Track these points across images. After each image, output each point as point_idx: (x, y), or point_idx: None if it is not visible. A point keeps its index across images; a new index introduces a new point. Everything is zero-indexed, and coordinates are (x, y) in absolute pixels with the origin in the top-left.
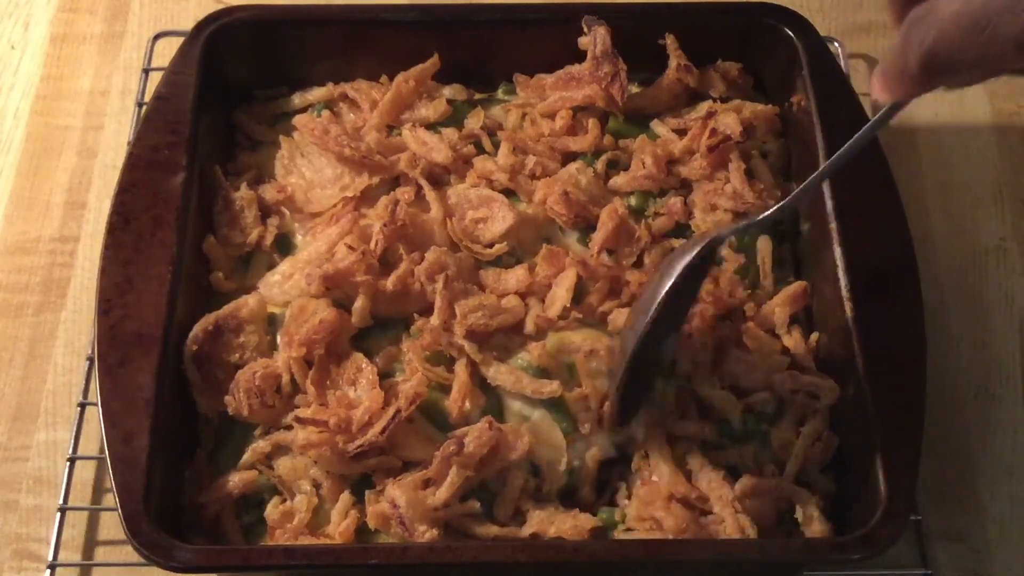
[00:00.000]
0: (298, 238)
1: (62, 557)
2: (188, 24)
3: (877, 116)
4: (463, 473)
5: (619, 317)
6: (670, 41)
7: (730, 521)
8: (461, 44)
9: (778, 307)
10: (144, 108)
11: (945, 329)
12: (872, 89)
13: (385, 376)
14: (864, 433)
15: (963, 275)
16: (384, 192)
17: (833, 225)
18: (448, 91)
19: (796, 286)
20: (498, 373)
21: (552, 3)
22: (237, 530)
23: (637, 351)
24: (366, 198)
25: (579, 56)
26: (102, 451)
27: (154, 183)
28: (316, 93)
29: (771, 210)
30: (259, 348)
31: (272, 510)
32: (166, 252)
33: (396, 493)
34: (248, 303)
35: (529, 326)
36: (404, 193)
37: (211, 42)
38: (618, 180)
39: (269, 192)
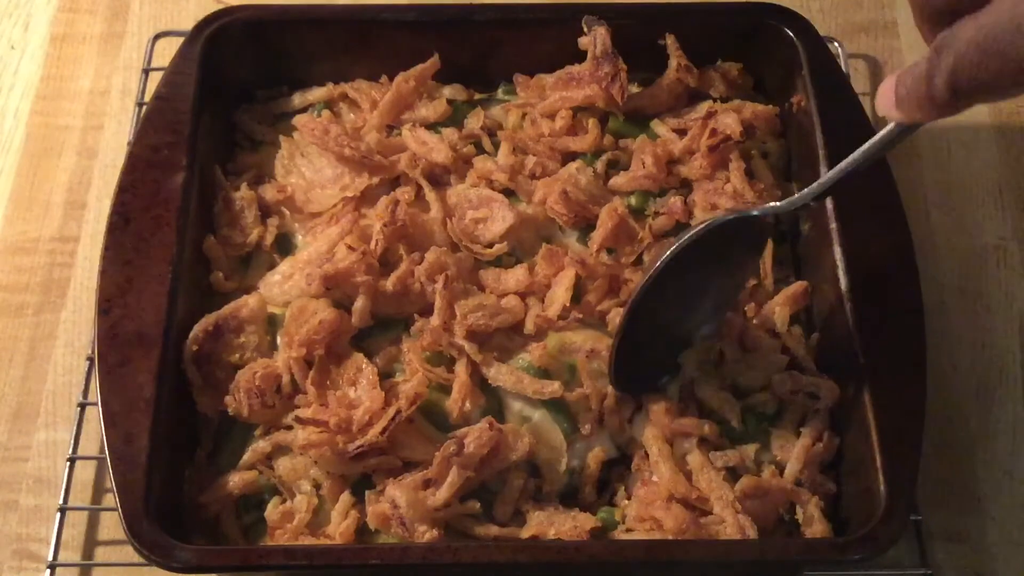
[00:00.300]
0: (298, 238)
1: (62, 557)
2: (188, 24)
3: (890, 131)
4: (463, 474)
5: (618, 316)
6: (670, 41)
7: (731, 521)
8: (461, 44)
9: (778, 307)
10: (144, 108)
11: (945, 329)
12: (881, 106)
13: (385, 376)
14: (864, 433)
15: (963, 275)
16: (384, 192)
17: (833, 225)
18: (448, 91)
19: (796, 286)
20: (499, 373)
21: (552, 3)
22: (237, 530)
23: (631, 317)
24: (366, 198)
25: (579, 56)
26: (102, 451)
27: (154, 183)
28: (316, 93)
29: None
30: (259, 348)
31: (272, 510)
32: (166, 252)
33: (396, 493)
34: (248, 303)
35: (529, 326)
36: (404, 193)
37: (211, 42)
38: (618, 180)
39: (269, 192)
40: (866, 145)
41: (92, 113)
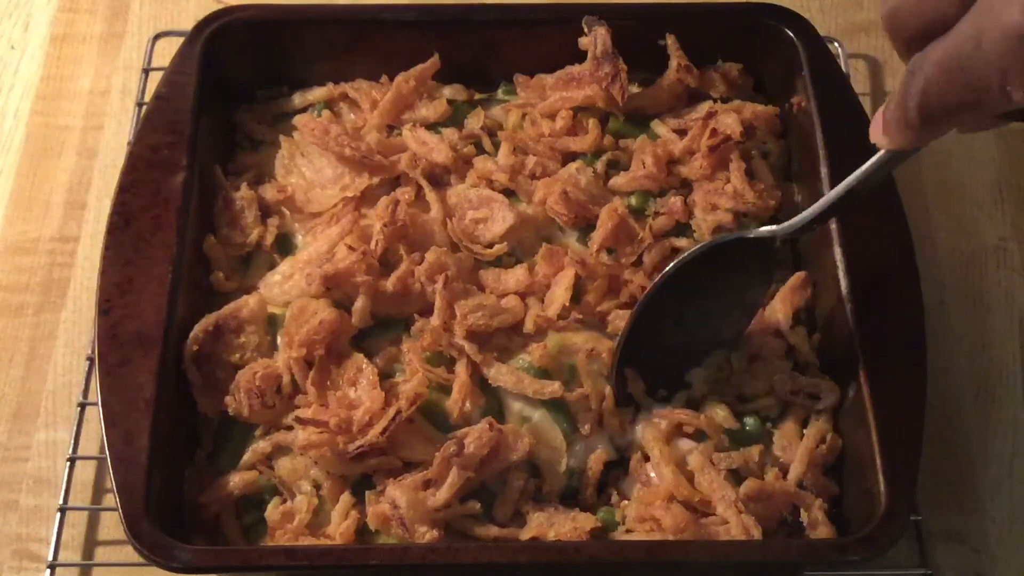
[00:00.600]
0: (298, 238)
1: (62, 557)
2: (188, 24)
3: (879, 158)
4: (463, 474)
5: (618, 318)
6: (670, 41)
7: (735, 522)
8: (461, 44)
9: (780, 303)
10: (144, 108)
11: (945, 329)
12: (871, 133)
13: (385, 376)
14: (864, 433)
15: (963, 275)
16: (384, 192)
17: (833, 225)
18: (448, 91)
19: (795, 277)
20: (499, 374)
21: (552, 3)
22: (237, 530)
23: (631, 331)
24: (366, 198)
25: (579, 56)
26: (102, 451)
27: (154, 183)
28: (316, 93)
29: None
30: (259, 348)
31: (272, 510)
32: (166, 252)
33: (396, 494)
34: (248, 303)
35: (528, 325)
36: (404, 193)
37: (211, 42)
38: (618, 180)
39: (269, 192)
40: (859, 170)
41: (92, 113)
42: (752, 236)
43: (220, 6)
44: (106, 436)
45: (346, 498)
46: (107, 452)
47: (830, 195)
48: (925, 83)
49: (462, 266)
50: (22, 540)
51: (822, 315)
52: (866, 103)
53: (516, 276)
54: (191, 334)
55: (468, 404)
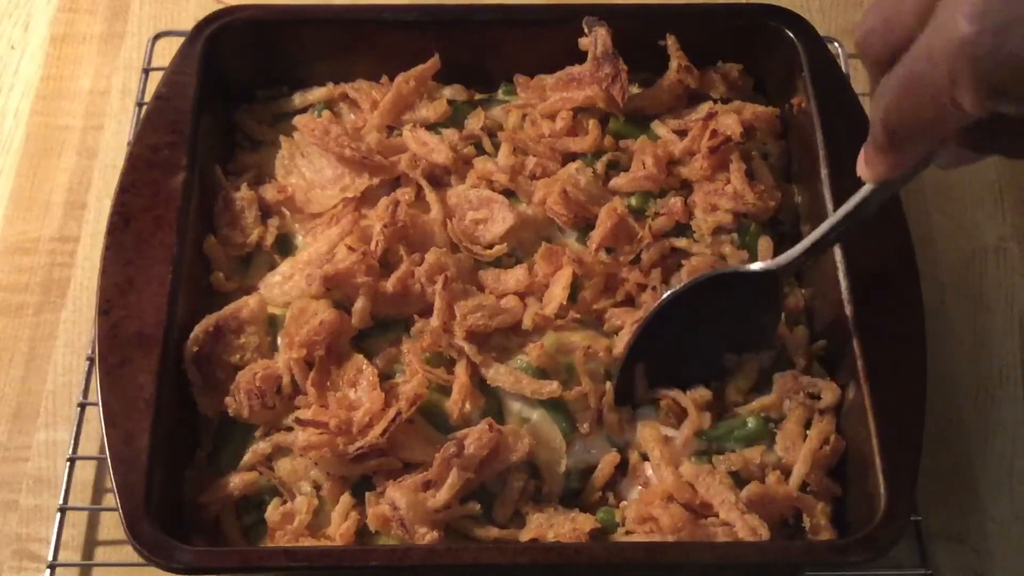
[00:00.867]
0: (298, 239)
1: (62, 557)
2: (188, 24)
3: (868, 190)
4: (463, 475)
5: (614, 316)
6: (671, 42)
7: (740, 524)
8: (461, 44)
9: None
10: (144, 108)
11: (945, 329)
12: (858, 168)
13: (385, 377)
14: (864, 433)
15: (963, 275)
16: (384, 193)
17: None
18: (448, 91)
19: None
20: (498, 374)
21: (552, 3)
22: (237, 531)
23: (636, 340)
24: (366, 199)
25: (580, 57)
26: (102, 451)
27: (154, 183)
28: (316, 93)
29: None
30: (260, 349)
31: (272, 511)
32: (166, 252)
33: (396, 495)
34: (249, 304)
35: (527, 323)
36: (404, 194)
37: (211, 42)
38: (618, 181)
39: (269, 192)
40: (848, 204)
41: (92, 113)
42: (750, 271)
43: (220, 6)
44: (106, 436)
45: (346, 499)
46: (107, 452)
47: (821, 228)
48: (887, 102)
49: (462, 267)
50: (22, 540)
51: (822, 315)
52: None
53: (516, 276)
54: (191, 334)
55: (468, 405)
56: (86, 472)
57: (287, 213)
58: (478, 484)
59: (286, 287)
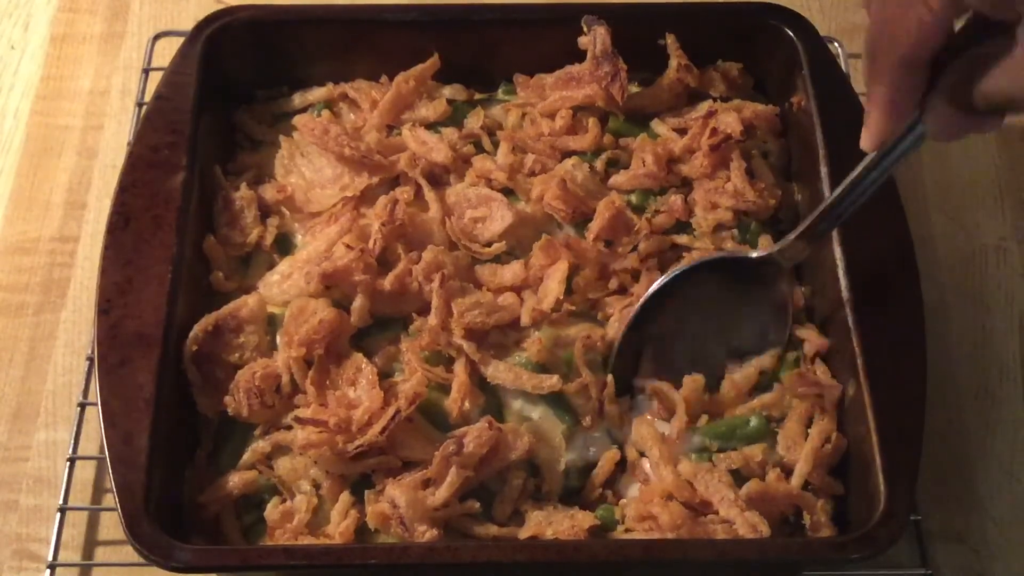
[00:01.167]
0: (298, 238)
1: (62, 557)
2: (188, 24)
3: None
4: (463, 473)
5: (609, 305)
6: (670, 41)
7: (740, 521)
8: (461, 44)
9: None
10: (144, 108)
11: (945, 329)
12: (860, 142)
13: (385, 376)
14: (864, 433)
15: (963, 275)
16: (384, 192)
17: None
18: (448, 91)
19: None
20: (497, 371)
21: (552, 3)
22: (237, 530)
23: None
24: (366, 198)
25: (579, 56)
26: (102, 451)
27: (154, 183)
28: (316, 93)
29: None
30: (259, 348)
31: (272, 510)
32: (166, 252)
33: (396, 493)
34: (248, 303)
35: (525, 319)
36: (403, 193)
37: (211, 42)
38: (618, 178)
39: (269, 192)
40: (838, 190)
41: (92, 113)
42: (749, 257)
43: (220, 6)
44: (106, 436)
45: (345, 497)
46: (107, 452)
47: (816, 211)
48: (868, 26)
49: (459, 264)
50: (22, 540)
51: (822, 315)
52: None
53: (512, 271)
54: (191, 334)
55: (467, 403)
56: (86, 472)
57: (286, 212)
58: (477, 482)
59: (285, 286)
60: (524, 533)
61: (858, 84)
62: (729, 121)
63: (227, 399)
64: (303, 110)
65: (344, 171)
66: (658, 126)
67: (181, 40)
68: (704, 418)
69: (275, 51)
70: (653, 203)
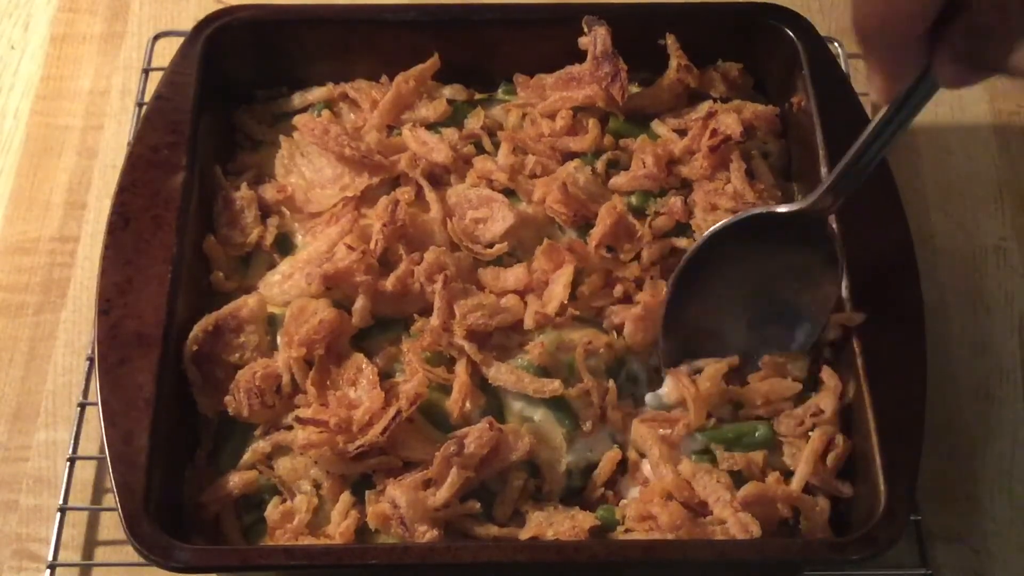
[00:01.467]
0: (298, 238)
1: (62, 557)
2: (188, 24)
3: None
4: (463, 474)
5: (613, 314)
6: (670, 41)
7: (732, 521)
8: (461, 44)
9: None
10: (144, 108)
11: (945, 329)
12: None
13: (385, 376)
14: (864, 434)
15: (963, 275)
16: (384, 192)
17: (834, 225)
18: (448, 91)
19: None
20: (499, 373)
21: (552, 3)
22: (237, 530)
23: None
24: (366, 198)
25: (579, 56)
26: (102, 451)
27: (154, 183)
28: (316, 93)
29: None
30: (259, 348)
31: (272, 510)
32: (166, 252)
33: (396, 493)
34: (248, 303)
35: (529, 322)
36: (404, 193)
37: (211, 42)
38: (618, 180)
39: (269, 192)
40: (866, 131)
41: (92, 113)
42: (778, 212)
43: (220, 6)
44: (106, 436)
45: (346, 498)
46: (107, 452)
47: (846, 157)
48: (854, 7)
49: (461, 265)
50: (22, 540)
51: None
52: (866, 103)
53: (515, 274)
54: (191, 334)
55: (468, 404)
56: (86, 472)
57: (287, 212)
58: (478, 483)
59: (286, 286)
60: (525, 534)
61: (858, 84)
62: (729, 122)
63: (227, 399)
64: (303, 110)
65: (344, 171)
66: (658, 127)
67: (181, 40)
68: (712, 421)
69: (275, 51)
70: (653, 204)
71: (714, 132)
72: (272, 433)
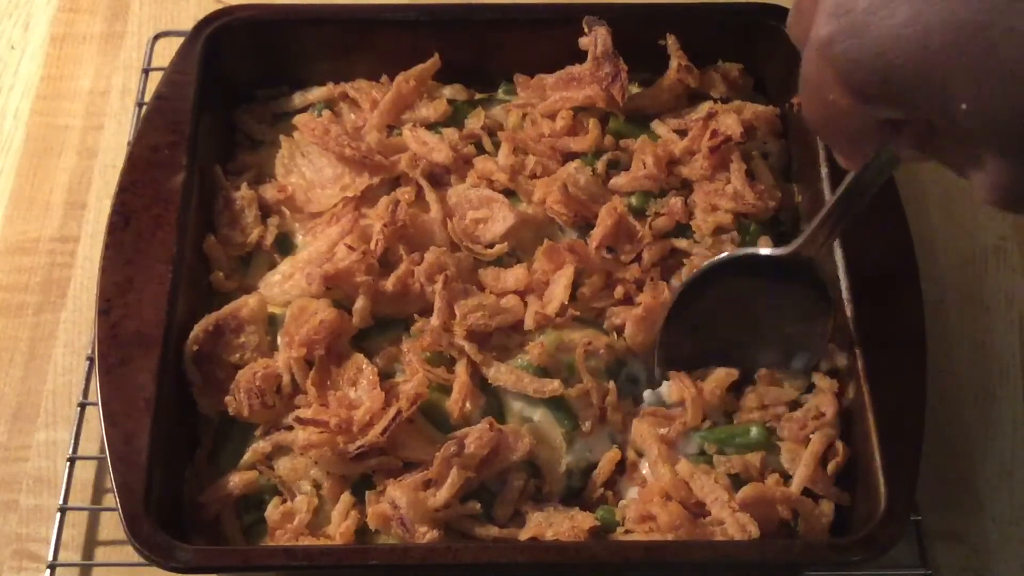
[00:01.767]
0: (298, 238)
1: (62, 557)
2: (188, 24)
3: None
4: (463, 474)
5: (614, 315)
6: (671, 41)
7: (730, 521)
8: (461, 44)
9: None
10: (144, 108)
11: (945, 329)
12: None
13: (386, 377)
14: (864, 433)
15: (963, 275)
16: (384, 192)
17: None
18: (448, 91)
19: None
20: (499, 373)
21: (552, 3)
22: (237, 530)
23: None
24: (366, 198)
25: (580, 56)
26: (102, 451)
27: (154, 183)
28: (316, 93)
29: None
30: (259, 348)
31: (272, 510)
32: (166, 252)
33: (397, 494)
34: (248, 303)
35: (529, 323)
36: (404, 193)
37: (211, 42)
38: (619, 180)
39: (269, 192)
40: (843, 186)
41: (92, 113)
42: (762, 254)
43: (220, 6)
44: (106, 436)
45: (346, 498)
46: (107, 452)
47: (828, 204)
48: (801, 100)
49: (461, 266)
50: (22, 540)
51: None
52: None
53: (515, 275)
54: (191, 334)
55: (468, 404)
56: (86, 472)
57: (287, 212)
58: (478, 483)
59: (286, 286)
60: (525, 534)
61: None
62: (729, 123)
63: (227, 399)
64: (303, 110)
65: (345, 171)
66: (658, 127)
67: (181, 40)
68: (707, 423)
69: (275, 51)
70: (653, 205)
71: (714, 133)
72: (272, 433)
